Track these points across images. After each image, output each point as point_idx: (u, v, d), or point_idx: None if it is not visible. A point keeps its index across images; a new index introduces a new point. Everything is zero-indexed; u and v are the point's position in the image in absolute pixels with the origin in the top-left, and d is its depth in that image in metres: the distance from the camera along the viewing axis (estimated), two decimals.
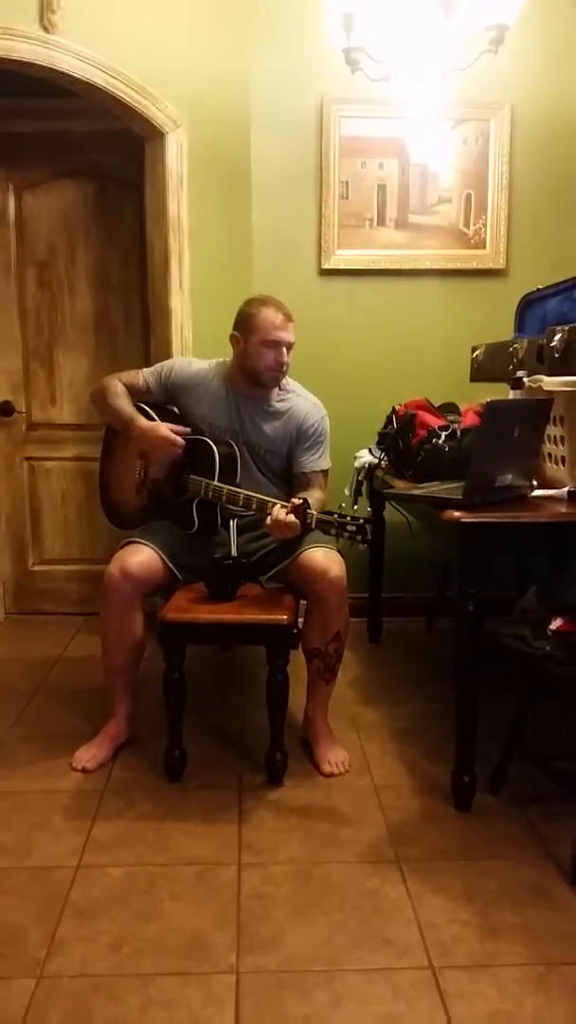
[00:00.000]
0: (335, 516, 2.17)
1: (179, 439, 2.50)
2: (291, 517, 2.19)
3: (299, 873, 1.95)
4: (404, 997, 1.57)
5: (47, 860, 2.00)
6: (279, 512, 2.22)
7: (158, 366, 2.69)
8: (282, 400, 2.61)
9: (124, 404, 2.57)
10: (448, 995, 1.57)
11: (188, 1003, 1.56)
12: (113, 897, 1.86)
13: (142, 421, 2.54)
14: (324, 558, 2.34)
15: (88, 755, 2.45)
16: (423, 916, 1.79)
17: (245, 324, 2.51)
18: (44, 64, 2.96)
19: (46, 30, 2.92)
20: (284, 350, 2.49)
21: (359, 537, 2.14)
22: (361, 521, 2.14)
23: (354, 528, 2.14)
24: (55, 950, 1.69)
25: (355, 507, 3.00)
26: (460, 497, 2.06)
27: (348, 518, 2.15)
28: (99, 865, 1.98)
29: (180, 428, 2.53)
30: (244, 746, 2.57)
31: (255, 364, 2.50)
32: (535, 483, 2.27)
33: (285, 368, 2.52)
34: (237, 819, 2.17)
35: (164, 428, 2.51)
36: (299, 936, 1.74)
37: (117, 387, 2.59)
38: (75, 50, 2.96)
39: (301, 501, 2.21)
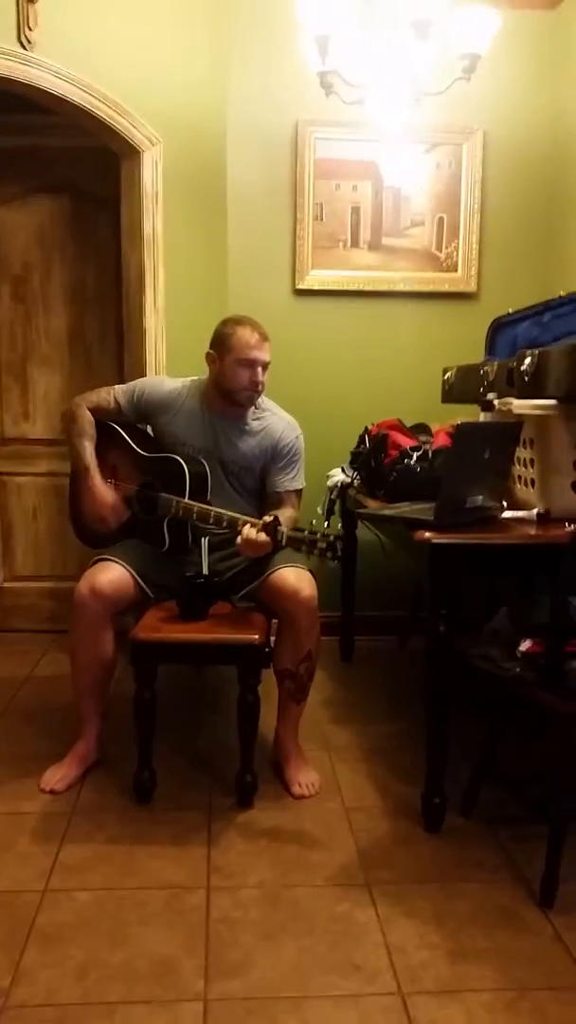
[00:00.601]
0: (305, 533, 2.18)
1: (113, 522, 2.54)
2: (262, 535, 2.19)
3: (268, 897, 1.93)
4: None
5: (13, 884, 1.97)
6: (249, 531, 2.22)
7: (130, 385, 2.68)
8: (257, 419, 2.61)
9: (86, 447, 2.57)
10: (417, 1021, 1.56)
11: None
12: (81, 921, 1.84)
13: (96, 480, 2.55)
14: (295, 578, 2.34)
15: (57, 776, 2.42)
16: (392, 940, 1.79)
17: (221, 343, 2.51)
18: (21, 80, 2.95)
19: (23, 46, 2.92)
20: (260, 369, 2.49)
21: (329, 554, 2.15)
22: (331, 538, 2.14)
23: (324, 545, 2.14)
24: (20, 978, 1.66)
25: (327, 525, 3.01)
26: (431, 518, 2.07)
27: (318, 535, 2.16)
28: (66, 889, 1.95)
29: (120, 509, 2.56)
30: (214, 767, 2.55)
31: (231, 383, 2.50)
32: (505, 504, 2.29)
33: (260, 387, 2.53)
34: (207, 842, 2.16)
35: (108, 507, 2.54)
36: (268, 961, 1.72)
37: (83, 420, 2.58)
38: (52, 67, 2.96)
39: (272, 519, 2.21)
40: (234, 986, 1.65)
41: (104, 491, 2.55)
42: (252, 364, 2.48)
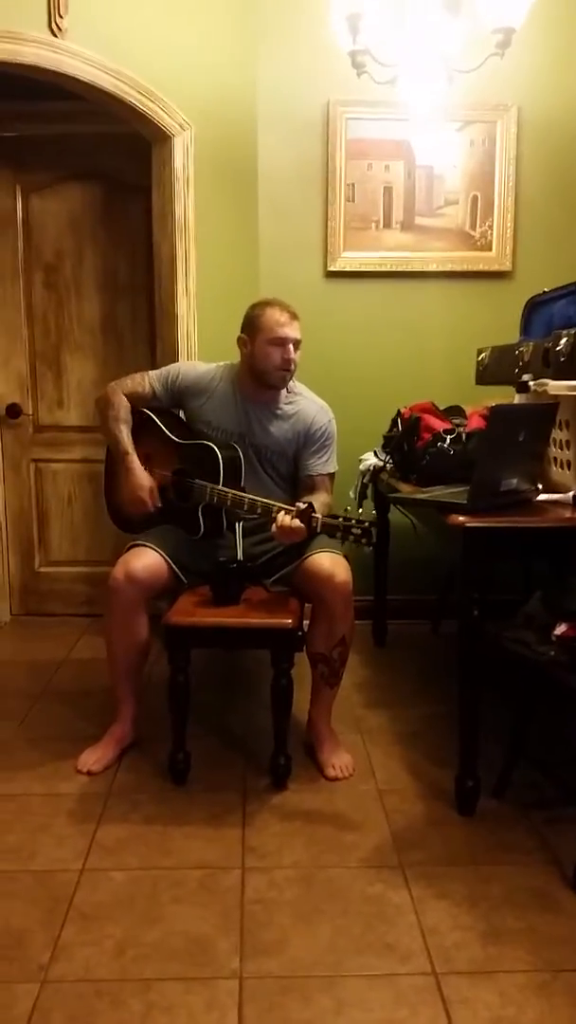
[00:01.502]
0: (340, 520, 2.17)
1: (150, 505, 2.54)
2: (296, 522, 2.19)
3: (303, 878, 1.95)
4: (406, 1003, 1.57)
5: (51, 863, 2.01)
6: (284, 517, 2.22)
7: (164, 370, 2.69)
8: (290, 403, 2.61)
9: (123, 431, 2.58)
10: (450, 1001, 1.57)
11: (190, 1009, 1.56)
12: (117, 901, 1.87)
13: (135, 464, 2.55)
14: (330, 563, 2.34)
15: (93, 758, 2.46)
16: (426, 921, 1.79)
17: (251, 325, 2.51)
18: (51, 68, 2.96)
19: (54, 34, 2.92)
20: (291, 347, 2.49)
21: (364, 540, 2.14)
22: (367, 524, 2.14)
23: (359, 531, 2.14)
24: (59, 954, 1.70)
25: (360, 510, 3.00)
26: (465, 501, 2.06)
27: (353, 521, 2.15)
28: (103, 869, 1.99)
29: (156, 494, 2.56)
30: (248, 749, 2.57)
31: (263, 364, 2.50)
32: (540, 487, 2.26)
33: (293, 366, 2.52)
34: (241, 823, 2.18)
35: (147, 490, 2.54)
36: (302, 941, 1.74)
37: (120, 405, 2.59)
38: (82, 54, 2.96)
39: (306, 505, 2.21)
40: (269, 964, 1.67)
41: (142, 474, 2.56)
42: (283, 342, 2.47)
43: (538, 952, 1.70)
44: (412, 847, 2.07)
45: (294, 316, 2.50)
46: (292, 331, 2.48)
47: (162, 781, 2.37)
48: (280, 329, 2.47)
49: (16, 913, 1.82)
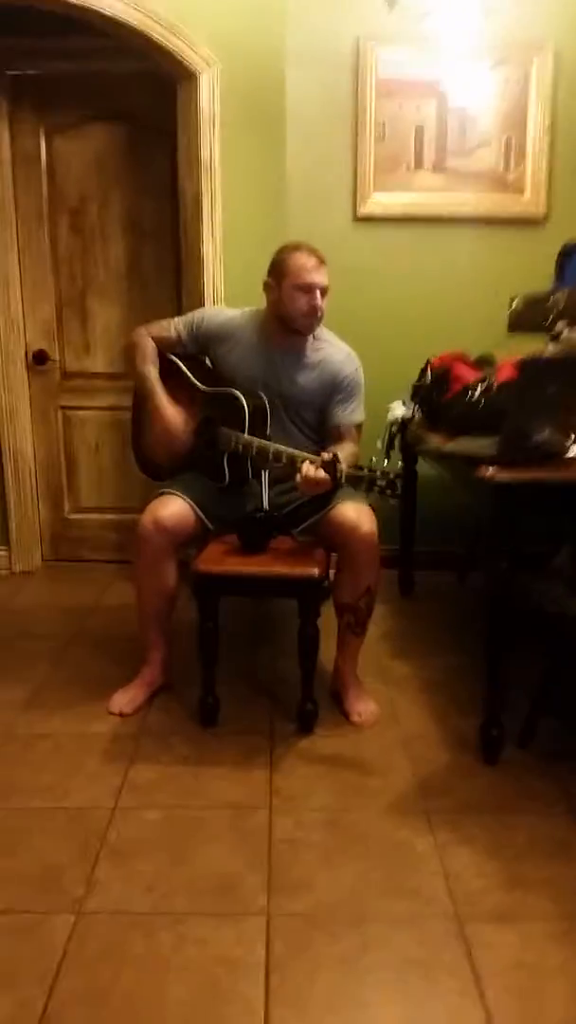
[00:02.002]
0: (365, 471, 2.16)
1: (180, 444, 2.55)
2: (321, 473, 2.18)
3: (329, 821, 2.00)
4: (430, 945, 1.61)
5: (85, 801, 2.07)
6: (309, 468, 2.21)
7: (189, 316, 2.67)
8: (316, 350, 2.58)
9: (151, 370, 2.58)
10: (473, 945, 1.62)
11: (220, 942, 1.62)
12: (149, 838, 1.93)
13: (163, 400, 2.55)
14: (355, 513, 2.35)
15: (125, 699, 2.51)
16: (450, 867, 1.84)
17: (277, 269, 2.47)
18: (75, 2, 2.88)
19: None
20: (318, 293, 2.45)
21: (389, 492, 2.13)
22: (391, 476, 2.13)
23: (384, 483, 2.13)
24: (93, 888, 1.76)
25: (387, 460, 2.98)
26: (494, 454, 2.04)
27: (378, 472, 2.14)
28: (135, 807, 2.05)
29: (187, 425, 2.56)
30: (275, 695, 2.61)
31: (289, 309, 2.46)
32: (574, 438, 2.23)
33: (319, 313, 2.48)
34: (269, 765, 2.23)
35: (178, 425, 2.55)
36: (328, 882, 1.79)
37: (147, 347, 2.58)
38: None
39: (331, 456, 2.19)
40: (296, 903, 1.72)
41: (172, 411, 2.55)
42: (310, 288, 2.43)
43: (560, 900, 1.74)
44: (436, 794, 2.11)
45: (321, 261, 2.45)
46: (319, 277, 2.44)
47: (192, 723, 2.42)
48: (307, 274, 2.43)
49: (51, 849, 1.89)
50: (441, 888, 1.77)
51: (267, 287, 2.51)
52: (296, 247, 2.48)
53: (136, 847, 1.90)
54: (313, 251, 2.46)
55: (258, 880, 1.79)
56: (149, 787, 2.13)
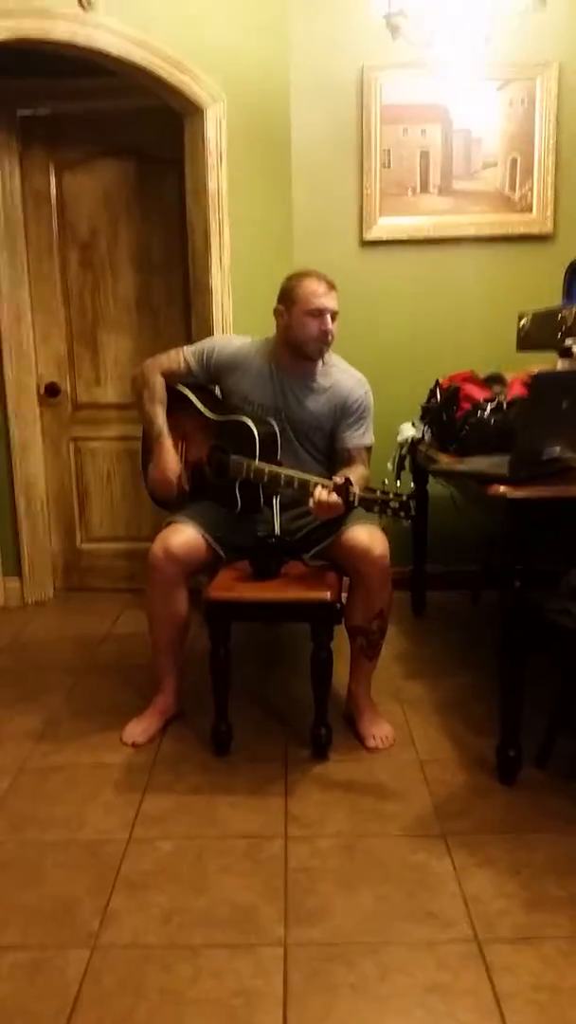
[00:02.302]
0: (378, 493, 2.16)
1: (176, 488, 2.59)
2: (333, 496, 2.18)
3: (345, 847, 1.97)
4: (449, 969, 1.58)
5: (99, 833, 2.05)
6: (321, 493, 2.20)
7: (199, 345, 2.69)
8: (325, 375, 2.58)
9: (159, 412, 2.60)
10: (493, 967, 1.58)
11: (238, 973, 1.59)
12: (163, 869, 1.91)
13: (167, 445, 2.58)
14: (367, 536, 2.34)
15: (138, 729, 2.50)
16: (468, 889, 1.80)
17: (288, 296, 2.49)
18: (82, 44, 2.94)
19: (83, 8, 2.90)
20: (328, 318, 2.46)
21: (402, 514, 2.12)
22: (404, 498, 2.12)
23: (397, 505, 2.12)
24: (108, 921, 1.74)
25: (398, 482, 2.98)
26: (505, 473, 2.03)
27: (391, 495, 2.13)
28: (149, 838, 2.02)
29: (182, 479, 2.61)
30: (289, 720, 2.59)
31: (299, 335, 2.48)
32: None
33: (330, 337, 2.49)
34: (283, 792, 2.20)
35: (176, 473, 2.58)
36: (345, 909, 1.76)
37: (156, 385, 2.61)
38: (112, 28, 2.94)
39: (343, 480, 2.19)
40: (313, 932, 1.69)
41: (172, 458, 2.58)
42: (320, 313, 2.45)
43: None
44: (454, 816, 2.08)
45: (331, 286, 2.47)
46: (329, 302, 2.46)
47: (205, 752, 2.40)
48: (317, 300, 2.44)
49: (67, 881, 1.87)
50: (460, 911, 1.74)
51: (277, 314, 2.52)
52: (305, 274, 2.50)
53: (151, 879, 1.88)
54: (323, 277, 2.48)
55: (274, 909, 1.76)
56: (163, 817, 2.11)
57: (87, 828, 2.07)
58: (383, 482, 2.20)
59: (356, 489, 2.18)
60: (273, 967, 1.60)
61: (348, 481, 2.19)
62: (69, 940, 1.69)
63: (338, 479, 2.21)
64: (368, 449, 2.61)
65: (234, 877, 1.87)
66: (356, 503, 2.18)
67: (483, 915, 1.73)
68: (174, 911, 1.77)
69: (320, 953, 1.64)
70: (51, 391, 3.76)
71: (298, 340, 2.49)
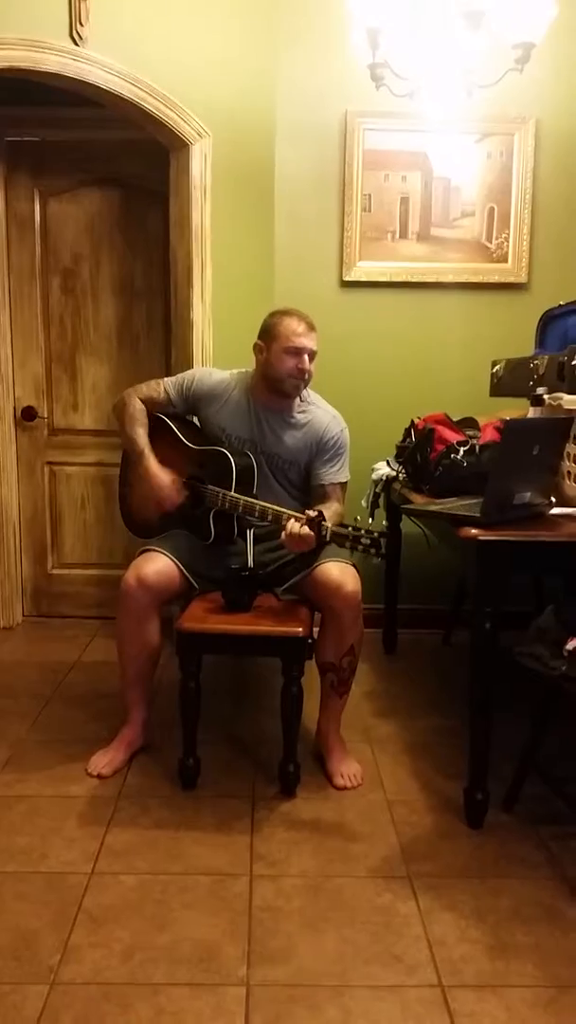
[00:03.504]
0: (350, 529, 2.18)
1: (174, 500, 2.55)
2: (305, 530, 2.20)
3: (310, 887, 1.96)
4: (413, 1015, 1.58)
5: (62, 866, 2.02)
6: (293, 525, 2.23)
7: (179, 377, 2.71)
8: (303, 412, 2.62)
9: (139, 432, 2.60)
10: (457, 1014, 1.58)
11: (198, 1014, 1.57)
12: (126, 904, 1.88)
13: (152, 463, 2.56)
14: (339, 573, 2.35)
15: (104, 761, 2.47)
16: (433, 933, 1.80)
17: (268, 332, 2.53)
18: (73, 76, 2.99)
19: (75, 42, 2.96)
20: (306, 357, 2.50)
21: (373, 551, 2.14)
22: (376, 535, 2.14)
23: (368, 541, 2.14)
24: (68, 956, 1.71)
25: (371, 519, 3.01)
26: (478, 514, 2.07)
27: (363, 531, 2.16)
28: (112, 872, 2.00)
29: (178, 489, 2.57)
30: (257, 756, 2.58)
31: (277, 371, 2.51)
32: (554, 501, 2.27)
33: (307, 376, 2.53)
34: (250, 830, 2.19)
35: (166, 489, 2.54)
36: (310, 950, 1.75)
37: (135, 409, 2.62)
38: (103, 62, 3.00)
39: (316, 514, 2.22)
40: (276, 972, 1.68)
41: (160, 474, 2.56)
42: (298, 352, 2.49)
43: (546, 967, 1.71)
44: (420, 858, 2.08)
45: (311, 327, 2.52)
46: (308, 341, 2.50)
47: (172, 786, 2.38)
48: (296, 339, 2.48)
49: (27, 914, 1.84)
50: (425, 955, 1.74)
51: (257, 349, 2.56)
52: (286, 312, 2.55)
53: (113, 913, 1.85)
54: (303, 317, 2.52)
55: (238, 949, 1.75)
56: (127, 851, 2.08)
57: (49, 860, 2.04)
58: (355, 518, 2.23)
59: (328, 524, 2.20)
60: (235, 1007, 1.59)
61: (321, 515, 2.21)
62: (28, 975, 1.66)
63: (311, 512, 2.23)
64: (343, 486, 2.64)
65: (198, 914, 1.85)
66: (328, 537, 2.20)
67: (447, 960, 1.72)
68: (136, 947, 1.74)
69: (283, 994, 1.62)
70: (28, 415, 3.75)
71: (276, 376, 2.52)
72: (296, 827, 2.21)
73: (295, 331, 2.49)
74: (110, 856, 2.06)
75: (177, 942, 1.76)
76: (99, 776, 2.43)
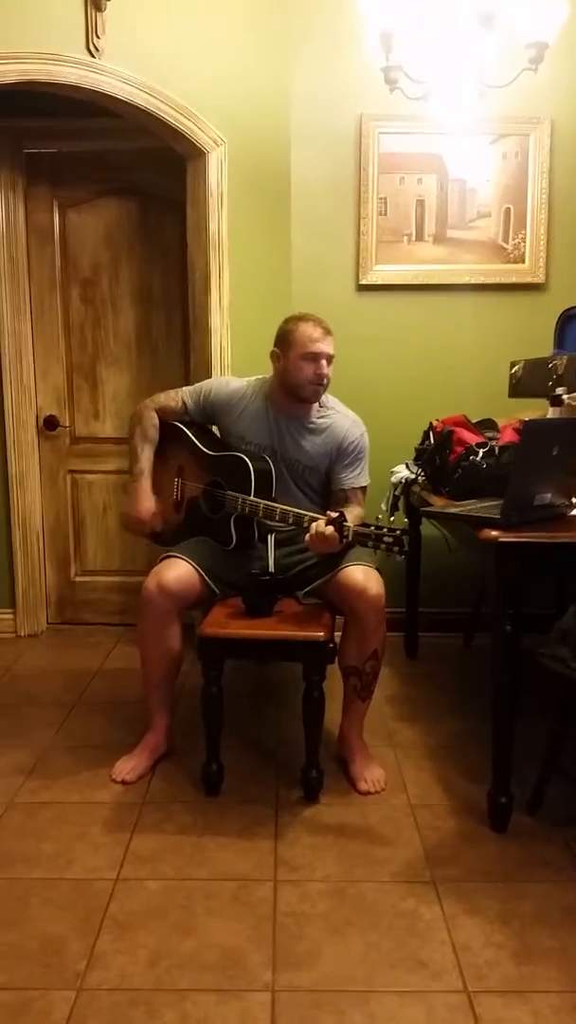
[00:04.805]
0: (372, 528, 2.17)
1: (147, 529, 2.66)
2: (329, 529, 2.19)
3: (335, 891, 1.96)
4: (439, 1021, 1.57)
5: (87, 872, 2.03)
6: (318, 525, 2.22)
7: (197, 386, 2.72)
8: (322, 417, 2.62)
9: (144, 450, 2.65)
10: (483, 1020, 1.57)
11: (224, 1019, 1.57)
12: (151, 910, 1.89)
13: (144, 487, 2.64)
14: (363, 576, 2.35)
15: (128, 767, 2.48)
16: (458, 938, 1.79)
17: (284, 339, 2.53)
18: (90, 88, 3.02)
19: (91, 54, 2.98)
20: (324, 363, 2.50)
21: (396, 548, 2.13)
22: (398, 532, 2.13)
23: (391, 539, 2.13)
24: (94, 962, 1.73)
25: (391, 520, 3.00)
26: (498, 516, 2.06)
27: (385, 529, 2.15)
28: (138, 878, 2.01)
29: (158, 517, 2.67)
30: (280, 761, 2.58)
31: (295, 378, 2.51)
32: (575, 501, 2.26)
33: (325, 381, 2.53)
34: (273, 835, 2.19)
35: (148, 513, 2.63)
36: (334, 955, 1.75)
37: (148, 424, 2.66)
38: (119, 73, 3.02)
39: (338, 514, 2.21)
40: (301, 978, 1.68)
41: (148, 498, 2.62)
42: (316, 357, 2.49)
43: (572, 971, 1.69)
44: (444, 862, 2.07)
45: (328, 331, 2.52)
46: (325, 346, 2.50)
47: (195, 791, 2.39)
48: (313, 344, 2.48)
49: (53, 920, 1.86)
50: (450, 960, 1.73)
51: (274, 356, 2.56)
52: (302, 318, 2.55)
53: (139, 919, 1.86)
54: (319, 322, 2.52)
55: (263, 954, 1.75)
56: (152, 857, 2.09)
57: (75, 866, 2.06)
58: (377, 517, 2.22)
59: (350, 524, 2.20)
60: (260, 1014, 1.59)
61: (342, 515, 2.20)
62: (55, 981, 1.67)
63: (332, 513, 2.22)
64: (363, 490, 2.64)
65: (222, 920, 1.86)
66: (350, 537, 2.20)
67: (473, 965, 1.71)
68: (161, 954, 1.75)
69: (308, 1000, 1.62)
70: (50, 424, 3.79)
71: (294, 383, 2.52)
72: (320, 832, 2.21)
73: (311, 337, 2.49)
74: (135, 862, 2.07)
75: (202, 948, 1.77)
76: (123, 782, 2.44)
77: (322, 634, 2.30)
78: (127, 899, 1.93)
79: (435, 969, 1.70)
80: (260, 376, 2.68)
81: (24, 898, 1.94)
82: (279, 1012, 1.59)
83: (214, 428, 2.72)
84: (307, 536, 2.26)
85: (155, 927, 1.83)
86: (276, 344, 2.56)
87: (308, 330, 2.49)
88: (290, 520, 2.37)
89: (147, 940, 1.79)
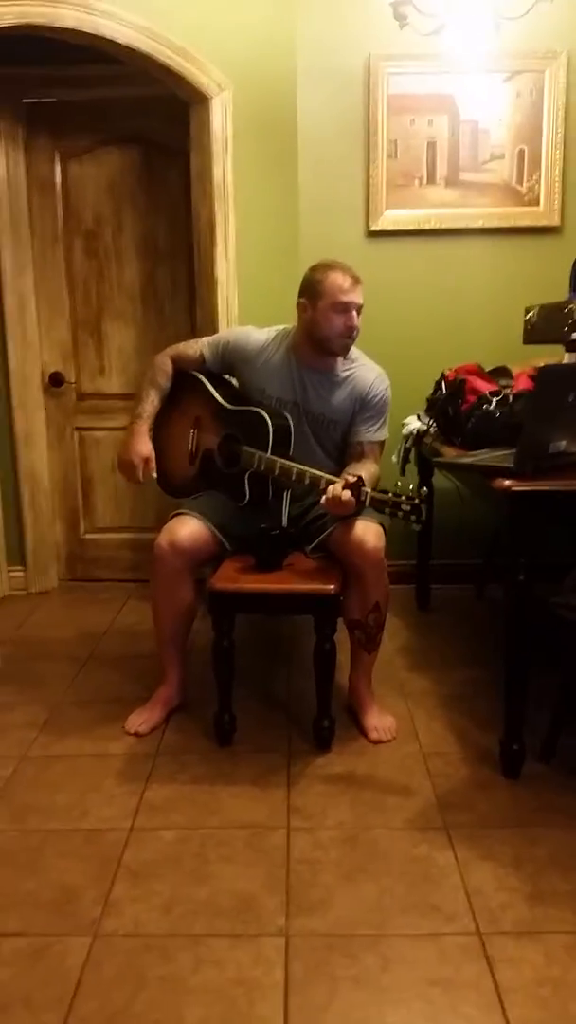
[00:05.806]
0: (390, 495, 2.12)
1: (141, 474, 2.50)
2: (347, 494, 2.13)
3: (347, 838, 1.97)
4: (451, 962, 1.58)
5: (101, 822, 2.05)
6: (335, 488, 2.16)
7: (216, 336, 2.67)
8: (347, 369, 2.54)
9: (150, 395, 2.59)
10: (495, 961, 1.58)
11: (238, 963, 1.59)
12: (165, 859, 1.91)
13: (141, 429, 2.53)
14: (361, 530, 2.32)
15: (141, 719, 2.50)
16: (471, 882, 1.80)
17: (312, 290, 2.44)
18: (89, 31, 2.93)
19: None
20: (354, 314, 2.43)
21: (413, 517, 2.08)
22: (416, 501, 2.07)
23: (408, 508, 2.08)
24: (109, 910, 1.74)
25: (402, 475, 2.96)
26: (511, 465, 2.02)
27: (403, 497, 2.09)
28: (152, 828, 2.03)
29: (151, 464, 2.52)
30: (292, 712, 2.59)
31: (325, 330, 2.43)
32: None
33: (355, 333, 2.46)
34: (286, 784, 2.20)
35: (141, 457, 2.49)
36: (347, 900, 1.76)
37: (159, 368, 2.60)
38: (120, 16, 2.93)
39: (356, 478, 2.15)
40: (314, 923, 1.69)
41: (142, 443, 2.51)
42: (347, 308, 2.41)
43: None
44: (457, 809, 2.07)
45: (357, 280, 2.43)
46: (356, 296, 2.42)
47: (208, 742, 2.40)
48: (344, 295, 2.40)
49: (68, 870, 1.87)
50: (463, 904, 1.74)
51: (300, 307, 2.48)
52: (330, 266, 2.44)
53: (153, 868, 1.88)
54: (348, 270, 2.43)
55: (276, 900, 1.76)
56: (166, 807, 2.11)
57: (89, 817, 2.07)
58: (396, 484, 2.16)
59: (368, 489, 2.15)
60: (275, 957, 1.61)
61: (360, 480, 2.15)
62: (70, 928, 1.69)
63: (350, 477, 2.17)
64: (381, 445, 2.58)
65: (236, 867, 1.87)
66: (367, 503, 2.16)
67: (485, 908, 1.72)
68: (175, 900, 1.77)
69: (322, 944, 1.64)
70: (55, 381, 3.75)
71: (323, 336, 2.45)
72: (332, 781, 2.22)
73: (341, 287, 2.40)
74: (149, 812, 2.09)
75: (216, 894, 1.78)
76: (136, 734, 2.46)
77: (332, 587, 2.29)
78: (141, 848, 1.95)
79: (448, 912, 1.72)
80: (282, 326, 2.61)
81: (39, 848, 1.96)
82: (292, 955, 1.61)
83: (233, 380, 2.67)
84: (323, 499, 2.21)
85: (169, 875, 1.85)
86: (302, 294, 2.47)
87: (338, 279, 2.40)
88: (306, 481, 2.32)
89: (161, 888, 1.81)
